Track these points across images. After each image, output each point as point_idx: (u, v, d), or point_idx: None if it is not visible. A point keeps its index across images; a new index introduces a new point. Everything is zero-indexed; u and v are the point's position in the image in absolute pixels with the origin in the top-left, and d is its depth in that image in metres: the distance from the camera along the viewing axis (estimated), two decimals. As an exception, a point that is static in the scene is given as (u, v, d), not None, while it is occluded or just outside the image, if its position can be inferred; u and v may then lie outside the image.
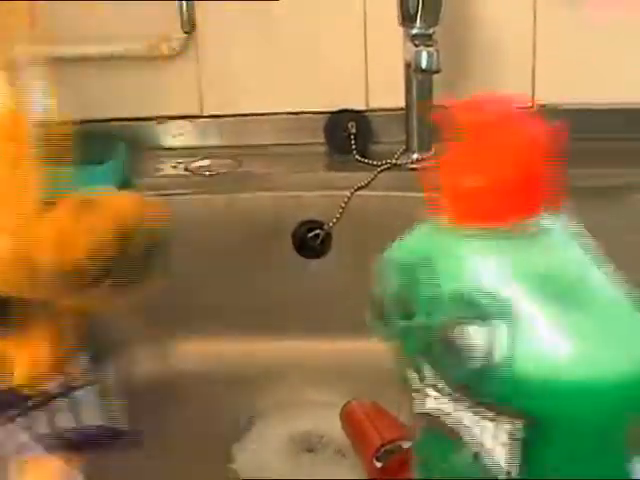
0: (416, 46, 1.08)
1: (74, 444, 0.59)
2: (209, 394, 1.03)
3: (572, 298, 0.45)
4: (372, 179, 1.14)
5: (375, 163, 1.17)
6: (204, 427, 0.95)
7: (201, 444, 0.92)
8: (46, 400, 0.60)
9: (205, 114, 1.27)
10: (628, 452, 0.47)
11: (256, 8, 1.21)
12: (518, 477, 0.47)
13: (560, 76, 1.22)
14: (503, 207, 0.46)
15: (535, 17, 1.20)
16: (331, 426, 0.91)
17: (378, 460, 0.81)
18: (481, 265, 0.47)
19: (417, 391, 0.52)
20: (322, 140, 1.24)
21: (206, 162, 1.21)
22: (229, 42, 1.24)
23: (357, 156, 1.19)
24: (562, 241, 0.47)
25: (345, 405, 0.90)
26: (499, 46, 1.22)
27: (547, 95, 1.21)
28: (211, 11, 1.20)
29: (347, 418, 0.89)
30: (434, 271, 0.48)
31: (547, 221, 0.47)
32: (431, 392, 0.50)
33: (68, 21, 1.21)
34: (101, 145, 1.14)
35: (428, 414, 0.51)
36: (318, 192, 1.13)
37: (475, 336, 0.45)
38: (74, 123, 1.20)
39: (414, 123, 1.17)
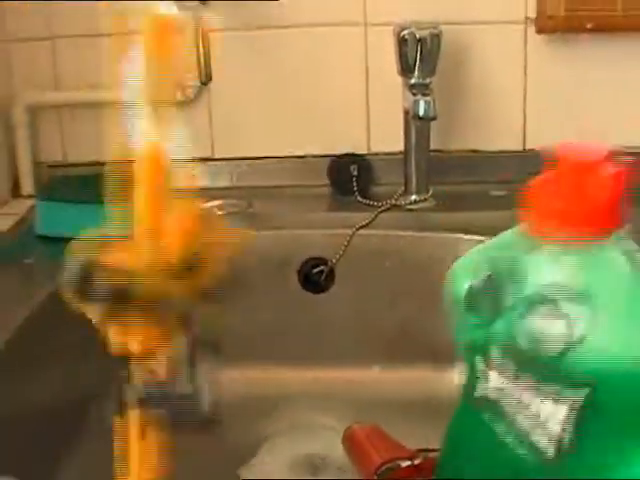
0: (414, 95, 1.12)
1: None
2: (234, 418, 1.03)
3: (624, 303, 0.56)
4: (373, 219, 1.16)
5: (376, 204, 1.20)
6: (215, 448, 0.94)
7: (211, 465, 0.95)
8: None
9: (216, 157, 1.31)
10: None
11: (264, 58, 1.27)
12: (567, 449, 0.55)
13: (548, 124, 1.27)
14: (581, 228, 0.57)
15: (526, 67, 1.25)
16: (334, 448, 0.92)
17: (379, 477, 0.82)
18: (560, 269, 0.57)
19: (479, 376, 0.60)
20: (326, 182, 1.27)
21: (218, 202, 1.23)
22: (239, 90, 1.28)
23: (359, 197, 1.22)
24: (621, 258, 0.57)
25: (347, 428, 0.91)
26: (492, 95, 1.26)
27: (537, 140, 1.27)
28: (222, 62, 1.22)
29: (349, 440, 0.90)
30: (522, 271, 0.58)
31: (613, 241, 0.57)
32: (494, 375, 0.59)
33: (92, 69, 1.23)
34: None
35: (486, 397, 0.59)
36: (322, 231, 1.16)
37: (553, 324, 0.55)
38: (91, 164, 1.26)
39: (412, 166, 1.20)
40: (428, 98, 1.11)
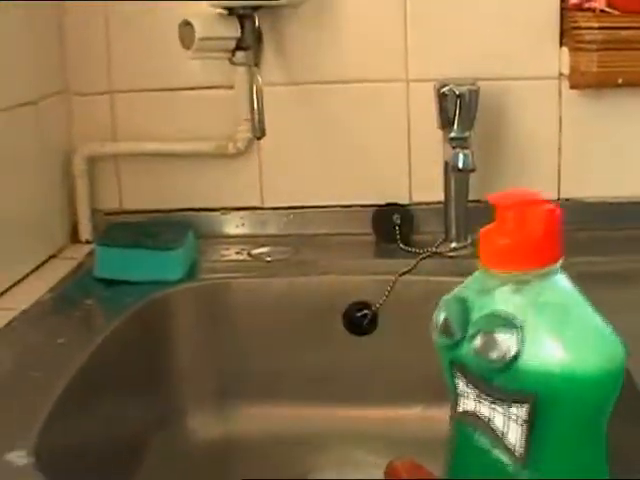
0: (454, 148, 1.16)
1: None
2: (267, 454, 1.09)
3: (566, 319, 0.63)
4: (415, 265, 1.18)
5: (417, 251, 1.22)
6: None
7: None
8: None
9: (265, 206, 1.35)
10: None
11: (311, 112, 1.31)
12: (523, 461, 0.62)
13: (582, 174, 1.30)
14: (523, 259, 0.64)
15: (560, 121, 1.28)
16: None
17: (418, 509, 0.86)
18: (506, 297, 0.64)
19: (461, 394, 0.67)
20: (370, 230, 1.29)
21: (266, 249, 1.27)
22: (287, 143, 1.33)
23: (401, 245, 1.25)
24: (561, 284, 0.65)
25: (389, 464, 0.91)
26: (527, 146, 1.29)
27: (570, 190, 1.30)
28: (271, 116, 1.25)
29: (390, 475, 0.90)
30: (477, 302, 0.66)
31: (551, 270, 0.64)
32: (467, 392, 0.66)
33: (148, 121, 1.34)
34: (173, 232, 1.22)
35: (466, 412, 0.66)
36: (366, 276, 1.18)
37: (498, 342, 0.62)
38: (145, 212, 1.30)
39: (452, 216, 1.23)
40: (467, 151, 1.15)
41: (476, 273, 0.68)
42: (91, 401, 0.95)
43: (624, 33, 1.22)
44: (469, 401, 0.66)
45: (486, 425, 0.64)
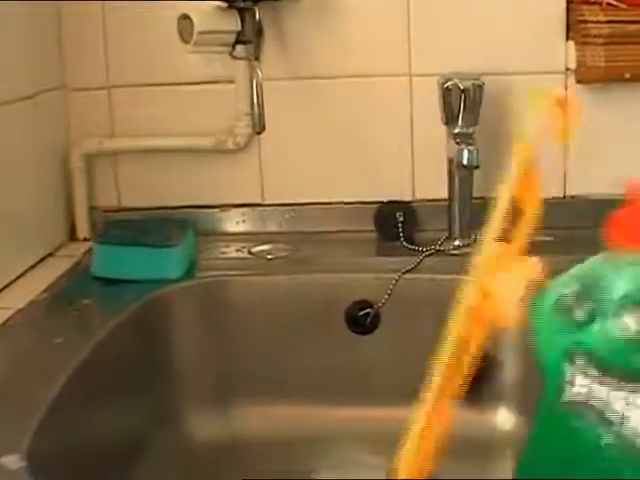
0: (458, 144, 1.15)
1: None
2: (268, 455, 1.09)
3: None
4: (418, 263, 1.17)
5: (420, 249, 1.21)
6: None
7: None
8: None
9: (266, 203, 1.34)
10: None
11: (313, 108, 1.30)
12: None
13: (588, 170, 1.28)
14: None
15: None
16: None
17: (423, 512, 0.86)
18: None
19: (571, 381, 0.66)
20: (372, 228, 1.28)
21: (267, 247, 1.26)
22: (288, 138, 1.31)
23: (404, 242, 1.24)
24: None
25: (391, 465, 0.89)
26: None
27: (576, 187, 1.29)
28: (272, 110, 1.25)
29: (393, 476, 0.89)
30: (608, 283, 0.66)
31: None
32: (580, 379, 0.65)
33: (147, 117, 1.32)
34: (172, 230, 1.21)
35: (574, 401, 0.65)
36: (369, 275, 1.16)
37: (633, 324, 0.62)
38: (144, 209, 1.29)
39: (456, 213, 1.22)
40: (471, 147, 1.14)
41: (597, 257, 0.68)
42: (88, 402, 0.94)
43: (631, 27, 1.21)
44: (581, 388, 0.64)
45: (601, 411, 0.64)
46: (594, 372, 0.64)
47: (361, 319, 1.15)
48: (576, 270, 0.69)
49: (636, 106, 1.26)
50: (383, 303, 1.14)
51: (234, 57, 1.25)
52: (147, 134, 1.33)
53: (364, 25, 1.27)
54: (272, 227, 1.33)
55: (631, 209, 0.66)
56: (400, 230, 1.26)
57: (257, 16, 1.24)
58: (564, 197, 1.29)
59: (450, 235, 1.23)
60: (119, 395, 1.03)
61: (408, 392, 1.14)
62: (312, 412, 1.14)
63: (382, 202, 1.29)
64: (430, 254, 1.20)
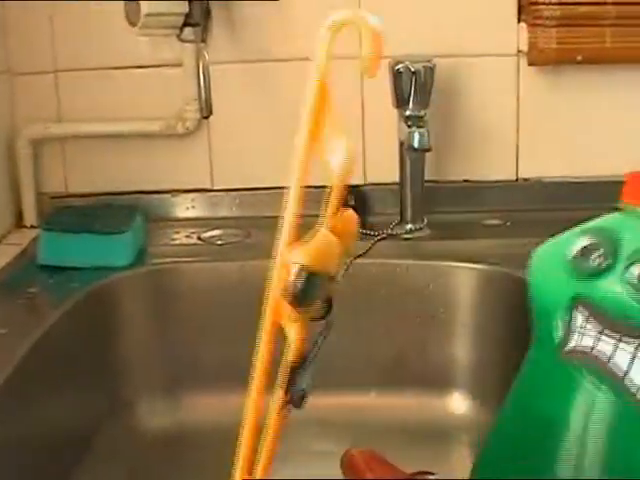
0: (409, 127, 1.14)
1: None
2: (218, 444, 1.04)
3: None
4: (370, 248, 1.16)
5: (372, 233, 1.20)
6: (212, 476, 0.94)
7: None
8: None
9: (216, 188, 1.32)
10: None
11: (262, 91, 1.28)
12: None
13: (540, 153, 1.28)
14: None
15: (518, 99, 1.27)
16: (333, 472, 0.93)
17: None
18: None
19: (575, 331, 0.68)
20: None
21: (217, 232, 1.25)
22: (238, 123, 1.30)
23: None
24: None
25: (345, 453, 0.92)
26: (485, 126, 1.28)
27: (529, 170, 1.28)
28: (221, 94, 1.25)
29: (347, 465, 0.92)
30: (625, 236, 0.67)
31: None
32: (584, 330, 0.67)
33: (94, 101, 1.30)
34: (121, 216, 1.19)
35: (577, 350, 0.67)
36: None
37: None
38: (92, 195, 1.27)
39: (408, 197, 1.21)
40: (422, 130, 1.13)
41: (615, 214, 0.69)
42: (35, 393, 0.93)
43: (583, 9, 1.21)
44: (585, 338, 0.65)
45: (604, 363, 0.65)
46: (597, 325, 0.65)
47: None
48: (589, 225, 0.70)
49: (588, 89, 1.26)
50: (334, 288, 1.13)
51: (182, 40, 1.24)
52: (95, 119, 1.31)
53: (312, 7, 1.25)
54: (222, 212, 1.32)
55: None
56: (351, 214, 1.25)
57: (205, -2, 1.21)
58: (517, 180, 1.29)
59: (402, 219, 1.23)
60: (67, 385, 1.01)
61: (361, 378, 1.15)
62: (264, 400, 1.12)
63: (333, 186, 1.28)
64: (382, 238, 1.20)
